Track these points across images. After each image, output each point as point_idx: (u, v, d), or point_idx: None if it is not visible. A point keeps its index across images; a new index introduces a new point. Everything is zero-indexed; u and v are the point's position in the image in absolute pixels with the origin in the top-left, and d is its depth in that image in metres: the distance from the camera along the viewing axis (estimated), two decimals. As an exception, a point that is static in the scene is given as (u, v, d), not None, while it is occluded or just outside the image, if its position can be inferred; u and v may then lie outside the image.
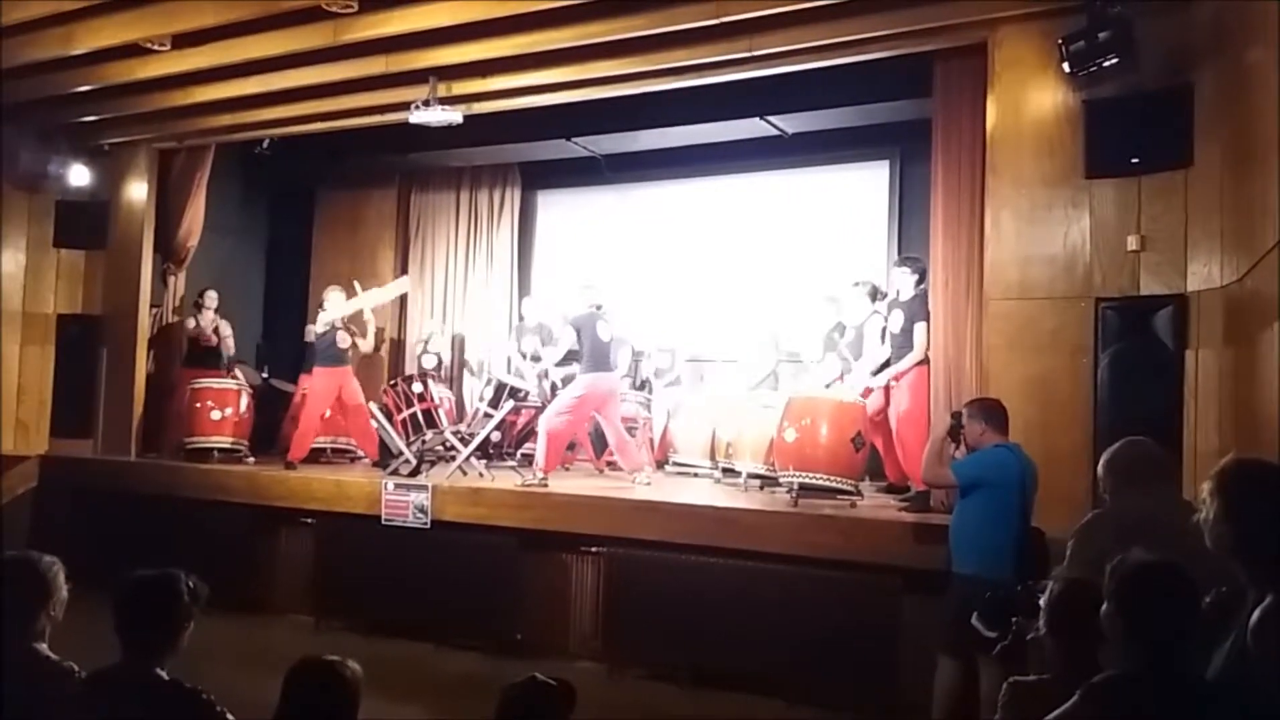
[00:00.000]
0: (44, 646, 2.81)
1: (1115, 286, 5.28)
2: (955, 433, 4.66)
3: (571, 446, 8.57)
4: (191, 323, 9.04)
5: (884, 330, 6.70)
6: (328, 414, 8.46)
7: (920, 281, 6.57)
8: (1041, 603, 2.74)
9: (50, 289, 9.16)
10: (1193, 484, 4.58)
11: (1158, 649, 2.14)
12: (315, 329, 8.44)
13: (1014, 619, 3.24)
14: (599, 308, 7.50)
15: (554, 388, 8.39)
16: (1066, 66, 5.23)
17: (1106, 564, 2.32)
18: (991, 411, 4.65)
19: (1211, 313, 4.87)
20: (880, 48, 6.13)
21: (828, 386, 6.92)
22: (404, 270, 10.51)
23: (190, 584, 2.70)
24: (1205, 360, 4.92)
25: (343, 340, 8.35)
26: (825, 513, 5.99)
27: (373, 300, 8.63)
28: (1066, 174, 5.45)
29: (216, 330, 9.07)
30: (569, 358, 7.75)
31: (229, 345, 9.15)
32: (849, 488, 6.20)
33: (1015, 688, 2.66)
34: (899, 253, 8.26)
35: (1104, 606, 2.27)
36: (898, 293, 6.72)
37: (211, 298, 9.10)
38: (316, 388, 8.34)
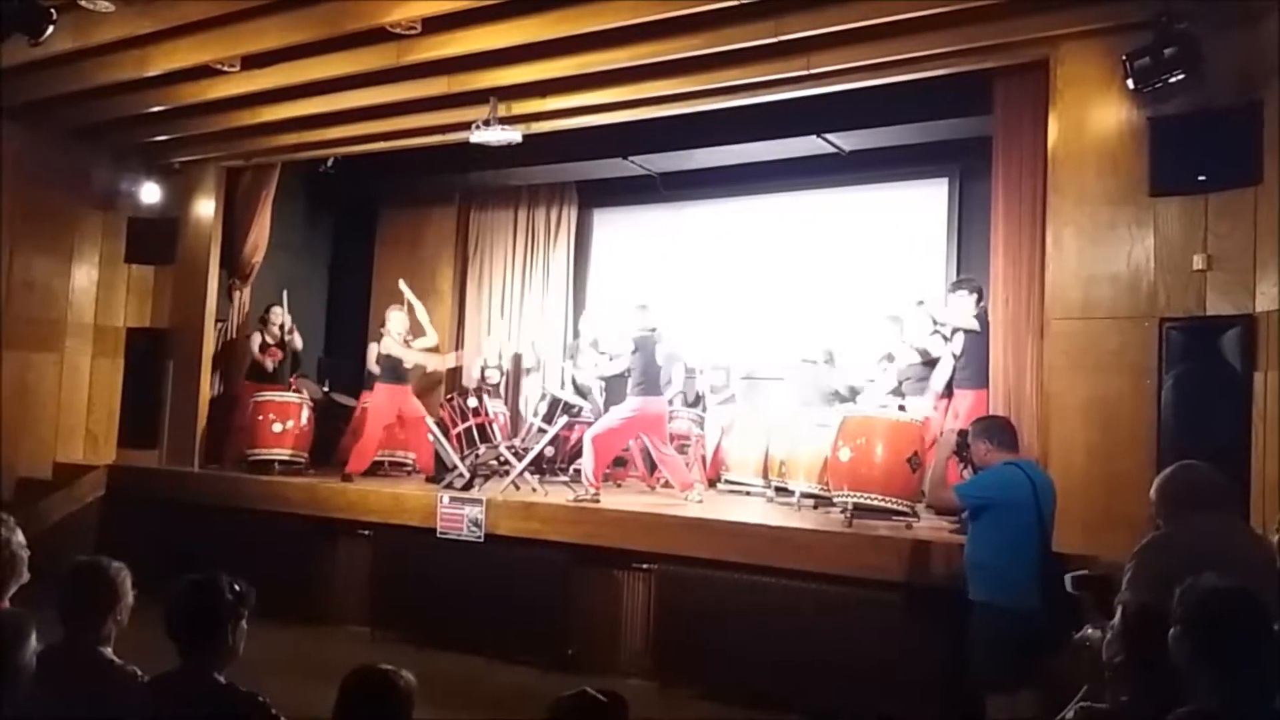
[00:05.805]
0: (109, 650, 2.87)
1: (1180, 306, 5.15)
2: (962, 452, 4.53)
3: (623, 463, 8.59)
4: (258, 338, 9.17)
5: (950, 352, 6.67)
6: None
7: (980, 300, 6.51)
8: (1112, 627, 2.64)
9: (121, 303, 9.41)
10: (1260, 509, 4.46)
11: (1230, 677, 2.09)
12: (380, 349, 8.59)
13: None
14: (654, 330, 7.52)
15: (607, 402, 8.41)
16: (1131, 83, 5.14)
17: (1168, 588, 2.26)
18: (996, 429, 4.52)
19: (1281, 334, 4.74)
20: (940, 65, 6.07)
21: (884, 407, 6.85)
22: (463, 289, 10.70)
23: (236, 587, 2.74)
24: (1274, 383, 4.78)
25: (407, 360, 8.52)
26: (880, 534, 5.93)
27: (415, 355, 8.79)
28: (1130, 192, 5.34)
29: (282, 344, 9.22)
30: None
31: (297, 343, 9.32)
32: (905, 509, 6.13)
33: (1086, 714, 2.57)
34: (958, 271, 8.18)
35: (1172, 631, 2.22)
36: (958, 316, 6.66)
37: (277, 314, 9.25)
38: (379, 403, 8.50)
